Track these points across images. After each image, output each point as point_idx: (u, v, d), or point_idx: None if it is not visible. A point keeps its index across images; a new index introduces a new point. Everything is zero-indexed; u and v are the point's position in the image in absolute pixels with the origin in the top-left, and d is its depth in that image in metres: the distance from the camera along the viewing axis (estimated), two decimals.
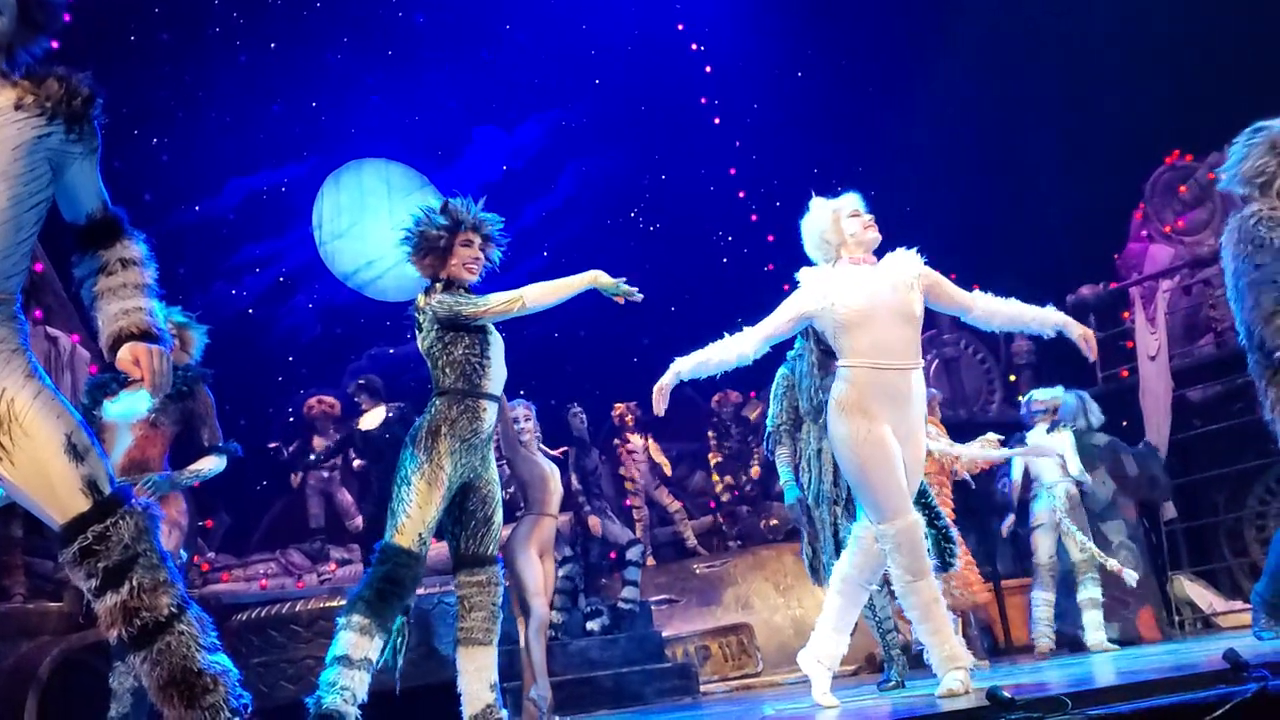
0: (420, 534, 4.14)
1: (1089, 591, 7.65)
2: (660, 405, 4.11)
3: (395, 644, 4.19)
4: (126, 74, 9.84)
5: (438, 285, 4.38)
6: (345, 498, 9.42)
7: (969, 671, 3.87)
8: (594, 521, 8.58)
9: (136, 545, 2.71)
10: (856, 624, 8.40)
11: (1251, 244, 4.37)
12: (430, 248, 4.38)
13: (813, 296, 4.17)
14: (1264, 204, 4.48)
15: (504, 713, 4.23)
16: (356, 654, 3.99)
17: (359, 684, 4.00)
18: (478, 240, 4.44)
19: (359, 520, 9.22)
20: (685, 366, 4.16)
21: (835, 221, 4.29)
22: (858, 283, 4.19)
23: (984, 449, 7.46)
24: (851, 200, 4.38)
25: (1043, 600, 7.83)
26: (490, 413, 4.31)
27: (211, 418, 5.15)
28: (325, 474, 9.32)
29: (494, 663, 4.23)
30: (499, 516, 4.34)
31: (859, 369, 4.05)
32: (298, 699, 7.12)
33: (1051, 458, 7.89)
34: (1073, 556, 7.76)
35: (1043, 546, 7.85)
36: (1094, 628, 7.61)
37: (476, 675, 4.18)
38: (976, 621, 8.21)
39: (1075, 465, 7.87)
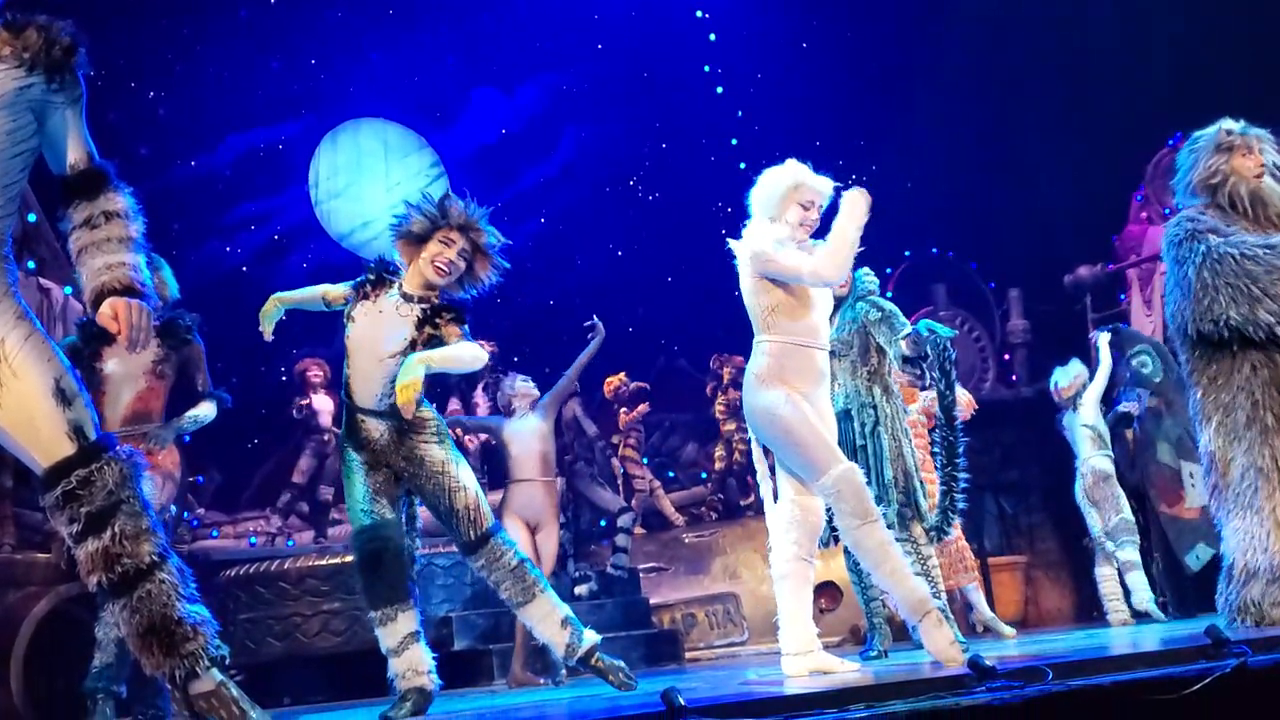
0: (360, 509, 4.14)
1: (1126, 554, 7.59)
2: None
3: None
4: (124, 26, 9.73)
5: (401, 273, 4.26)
6: (334, 466, 9.39)
7: (946, 613, 3.85)
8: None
9: (120, 492, 2.70)
10: (842, 596, 8.50)
11: (1185, 239, 4.57)
12: (408, 233, 4.23)
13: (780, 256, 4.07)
14: (1194, 210, 4.67)
15: (589, 634, 4.19)
16: (392, 641, 4.10)
17: (413, 661, 4.09)
18: (459, 244, 4.19)
19: (328, 492, 9.20)
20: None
21: (787, 196, 4.16)
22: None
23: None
24: (818, 187, 4.19)
25: (1102, 575, 7.77)
26: (371, 423, 4.11)
27: (204, 364, 5.21)
28: (326, 437, 9.29)
29: (553, 606, 4.16)
30: (462, 500, 4.11)
31: (787, 344, 4.02)
32: (284, 655, 7.24)
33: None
34: (1096, 531, 7.76)
35: (1091, 522, 7.82)
36: (1138, 589, 7.55)
37: (542, 625, 4.18)
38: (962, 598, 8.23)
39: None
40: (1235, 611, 4.37)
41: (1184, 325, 4.58)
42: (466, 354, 4.06)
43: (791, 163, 4.24)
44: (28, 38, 2.76)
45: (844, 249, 3.99)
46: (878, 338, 5.50)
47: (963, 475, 4.99)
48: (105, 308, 2.78)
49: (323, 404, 9.35)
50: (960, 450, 4.93)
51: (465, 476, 4.16)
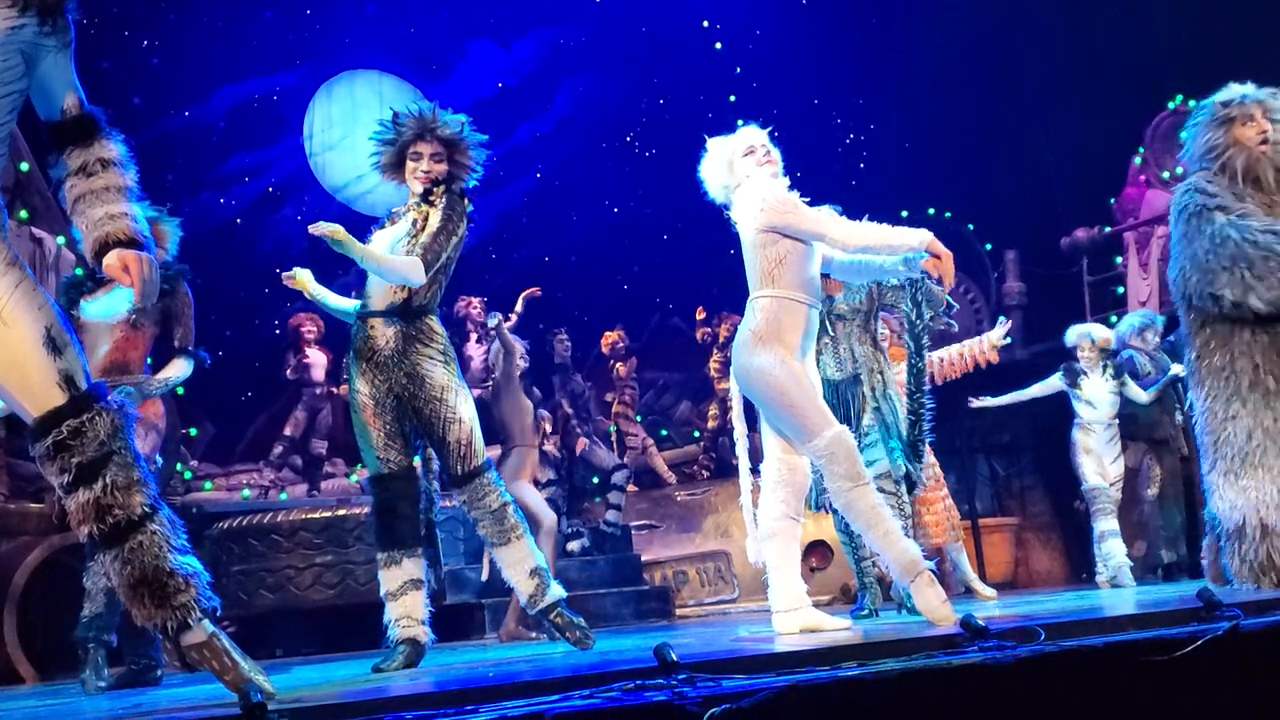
0: (376, 457, 4.23)
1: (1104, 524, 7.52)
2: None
3: (430, 555, 4.30)
4: None
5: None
6: (326, 420, 9.36)
7: (934, 576, 3.86)
8: (582, 442, 8.63)
9: (111, 443, 2.69)
10: (832, 555, 8.53)
11: (1194, 214, 4.57)
12: (386, 165, 4.42)
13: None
14: (1204, 177, 4.64)
15: (555, 588, 4.28)
16: (392, 585, 4.18)
17: (410, 608, 4.15)
18: (427, 149, 4.32)
19: (323, 446, 9.19)
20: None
21: (729, 164, 4.24)
22: None
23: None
24: (744, 138, 4.26)
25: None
26: (380, 328, 4.19)
27: (187, 318, 5.01)
28: (318, 391, 9.27)
29: (527, 553, 4.23)
30: (455, 434, 4.15)
31: (786, 300, 4.01)
32: (277, 607, 7.27)
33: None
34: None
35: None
36: (1114, 556, 7.46)
37: (512, 570, 4.26)
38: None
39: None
40: (1257, 571, 4.37)
41: (1186, 294, 4.62)
42: (400, 267, 4.08)
43: (711, 143, 4.32)
44: None
45: (874, 236, 4.02)
46: (898, 304, 5.50)
47: (929, 408, 4.96)
48: (113, 259, 2.77)
49: (316, 358, 9.34)
50: (925, 382, 4.90)
51: (463, 408, 4.19)
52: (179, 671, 5.09)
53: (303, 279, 4.32)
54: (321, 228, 3.87)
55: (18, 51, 2.71)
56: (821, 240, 4.06)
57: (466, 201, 4.35)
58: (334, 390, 9.22)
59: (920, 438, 4.98)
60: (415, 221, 4.26)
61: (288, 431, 9.24)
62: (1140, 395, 7.66)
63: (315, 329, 9.30)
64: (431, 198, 4.29)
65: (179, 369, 4.98)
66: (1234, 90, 4.70)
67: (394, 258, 4.11)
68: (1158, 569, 7.83)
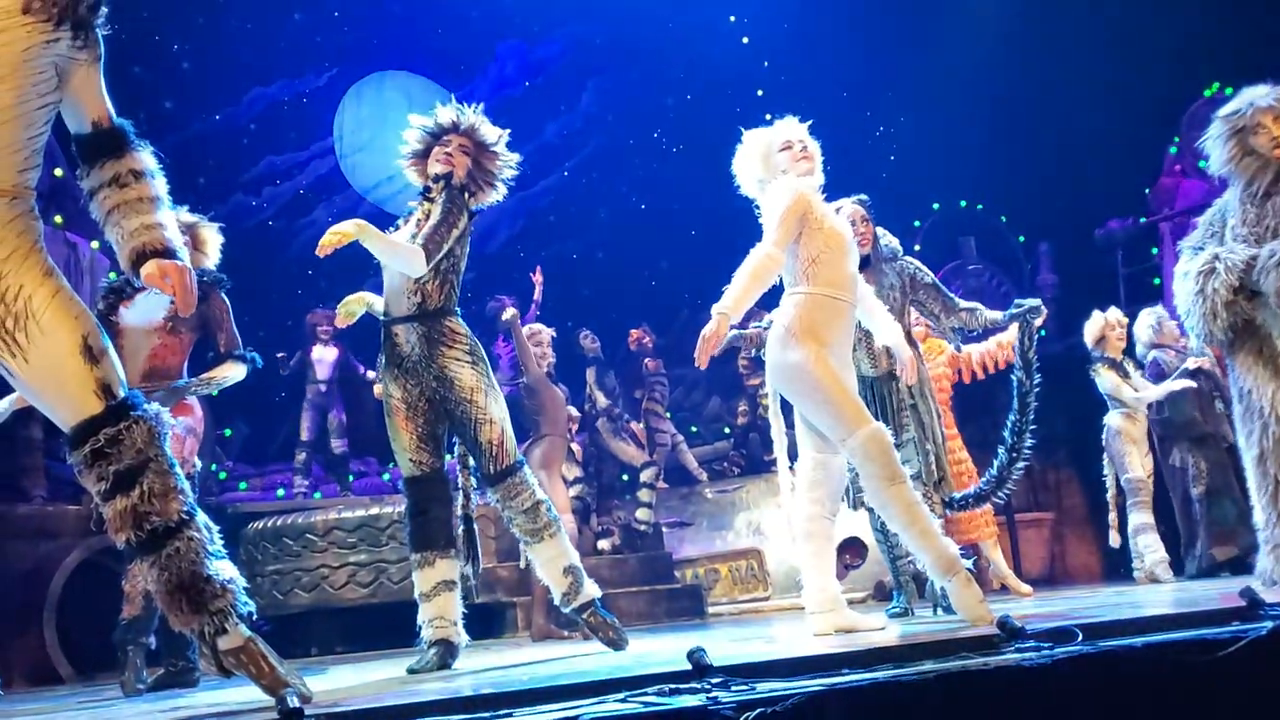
0: (409, 459, 4.27)
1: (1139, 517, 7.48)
2: (705, 358, 3.92)
3: (467, 555, 4.34)
4: None
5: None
6: (339, 418, 9.37)
7: (971, 576, 3.82)
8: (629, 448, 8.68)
9: (148, 450, 2.71)
10: (867, 551, 8.49)
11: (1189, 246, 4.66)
12: (414, 151, 4.45)
13: (807, 202, 4.03)
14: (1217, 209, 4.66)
15: (589, 587, 4.30)
16: (426, 586, 4.20)
17: (443, 609, 4.18)
18: (455, 141, 4.37)
19: (341, 444, 9.19)
20: (733, 310, 3.88)
21: (765, 157, 4.17)
22: (830, 208, 4.13)
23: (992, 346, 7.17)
24: (782, 131, 4.20)
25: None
26: (404, 334, 4.22)
27: (228, 323, 5.05)
28: (322, 388, 9.29)
29: (561, 551, 4.26)
30: (486, 434, 4.18)
31: (821, 297, 3.98)
32: (311, 607, 7.31)
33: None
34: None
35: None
36: (1151, 551, 7.43)
37: (545, 568, 4.29)
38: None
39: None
40: None
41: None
42: (404, 253, 4.08)
43: (747, 135, 4.26)
44: None
45: (736, 284, 3.90)
46: (929, 304, 5.48)
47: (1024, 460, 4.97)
48: (152, 268, 2.82)
49: (324, 355, 9.33)
50: (1031, 409, 4.90)
51: (494, 408, 4.22)
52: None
53: (353, 310, 4.39)
54: (327, 244, 3.83)
55: (51, 65, 2.76)
56: (762, 249, 3.98)
57: (468, 198, 4.36)
58: (346, 379, 9.23)
59: (1018, 459, 4.97)
60: (419, 221, 4.30)
61: (304, 437, 9.26)
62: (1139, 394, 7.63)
63: (330, 326, 9.29)
64: (431, 194, 4.33)
65: (232, 370, 5.01)
66: (1241, 99, 4.57)
67: (399, 243, 4.13)
68: (1213, 568, 7.67)
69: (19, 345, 2.66)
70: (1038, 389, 4.90)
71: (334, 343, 9.32)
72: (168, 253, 2.84)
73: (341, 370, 9.24)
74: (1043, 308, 5.25)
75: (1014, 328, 6.01)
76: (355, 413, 9.47)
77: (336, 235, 3.83)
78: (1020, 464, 4.96)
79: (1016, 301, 5.29)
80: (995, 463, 5.10)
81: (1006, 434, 5.01)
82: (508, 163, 4.46)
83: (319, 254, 3.84)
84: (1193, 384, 7.45)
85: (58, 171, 7.98)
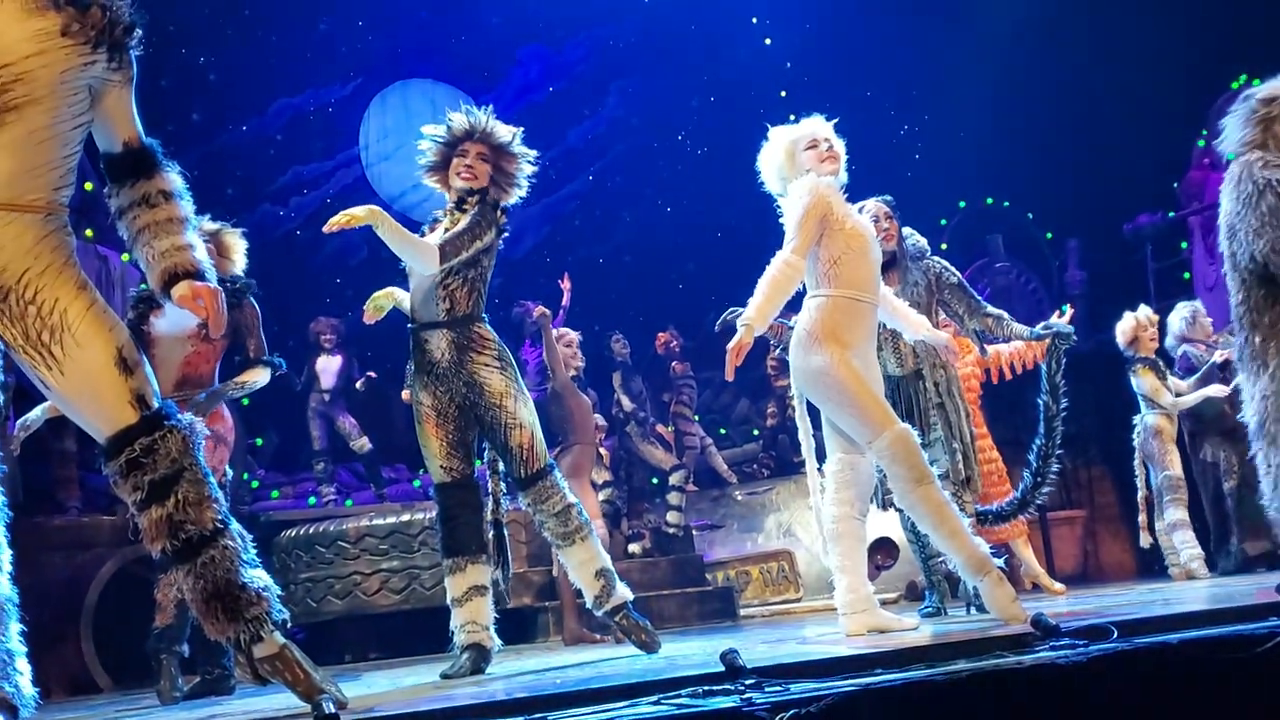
0: (439, 465, 4.29)
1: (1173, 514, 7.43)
2: (732, 370, 3.93)
3: (498, 560, 4.36)
4: None
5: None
6: (347, 421, 9.38)
7: (1003, 574, 3.80)
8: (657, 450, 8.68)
9: (182, 460, 2.75)
10: (899, 551, 8.46)
11: (1254, 185, 4.24)
12: (432, 164, 4.46)
13: (827, 203, 4.01)
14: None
15: (621, 590, 4.29)
16: (457, 592, 4.22)
17: (475, 613, 4.20)
18: (473, 150, 4.36)
19: (363, 441, 9.20)
20: (757, 321, 3.90)
21: (790, 155, 4.16)
22: (851, 208, 4.11)
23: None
24: (809, 129, 4.18)
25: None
26: (434, 340, 4.23)
27: (258, 329, 5.12)
28: (326, 396, 9.30)
29: (593, 554, 4.26)
30: (516, 439, 4.20)
31: (843, 299, 3.97)
32: (345, 615, 7.36)
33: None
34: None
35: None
36: (1185, 547, 7.36)
37: (577, 571, 4.30)
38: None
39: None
40: None
41: (1240, 262, 4.35)
42: (418, 246, 4.10)
43: (773, 132, 4.25)
44: (93, 16, 2.81)
45: (759, 295, 3.93)
46: (954, 304, 5.46)
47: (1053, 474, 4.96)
48: (184, 289, 2.88)
49: (328, 364, 9.35)
50: (1058, 432, 4.88)
51: (524, 413, 4.24)
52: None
53: (381, 304, 4.41)
54: (336, 223, 3.85)
55: (86, 86, 2.82)
56: (782, 254, 4.00)
57: (501, 215, 4.36)
58: (348, 384, 9.25)
59: (1044, 483, 4.96)
60: (447, 229, 4.30)
61: (317, 446, 9.28)
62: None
63: (333, 335, 9.33)
64: (465, 205, 4.33)
65: (258, 375, 5.08)
66: (1278, 87, 4.49)
67: (414, 237, 4.15)
68: (1246, 563, 7.59)
69: (55, 358, 2.71)
70: (1064, 413, 4.87)
71: (338, 351, 9.34)
72: (199, 274, 2.90)
73: (344, 380, 9.26)
74: (1073, 335, 5.22)
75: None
76: (383, 420, 9.50)
77: (347, 216, 3.85)
78: (1045, 488, 4.95)
79: (1045, 323, 5.28)
80: (1021, 486, 5.09)
81: (1032, 458, 4.98)
82: (526, 158, 4.46)
83: (325, 230, 3.87)
84: (1226, 389, 7.37)
85: (88, 186, 8.06)
